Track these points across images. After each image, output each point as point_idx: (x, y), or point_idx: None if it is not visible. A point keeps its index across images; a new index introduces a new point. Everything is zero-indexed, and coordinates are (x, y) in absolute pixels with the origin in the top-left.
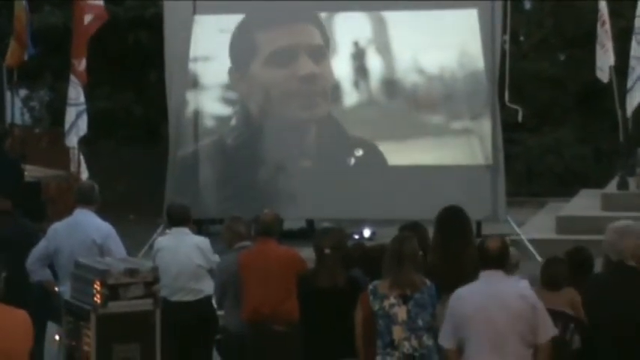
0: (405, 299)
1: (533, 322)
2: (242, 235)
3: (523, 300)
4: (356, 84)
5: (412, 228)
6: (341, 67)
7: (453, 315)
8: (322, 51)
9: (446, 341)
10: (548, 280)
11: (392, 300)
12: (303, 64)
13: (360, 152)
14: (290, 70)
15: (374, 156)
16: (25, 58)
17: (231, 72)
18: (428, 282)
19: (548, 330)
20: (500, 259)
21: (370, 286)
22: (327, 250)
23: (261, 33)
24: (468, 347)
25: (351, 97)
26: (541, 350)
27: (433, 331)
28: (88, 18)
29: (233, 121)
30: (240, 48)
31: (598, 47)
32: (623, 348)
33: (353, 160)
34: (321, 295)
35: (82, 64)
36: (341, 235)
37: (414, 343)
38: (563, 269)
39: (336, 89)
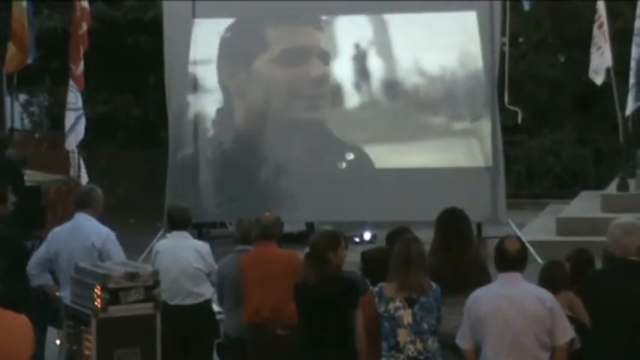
0: (410, 302)
1: (550, 324)
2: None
3: (540, 303)
4: (357, 86)
5: (400, 233)
6: (342, 69)
7: (469, 316)
8: (328, 55)
9: (463, 342)
10: (547, 283)
11: (397, 303)
12: (315, 65)
13: (360, 155)
14: (301, 70)
15: (374, 158)
16: (29, 61)
17: (229, 67)
18: (434, 285)
19: (566, 333)
20: (519, 261)
21: (376, 289)
22: (306, 250)
23: (270, 30)
24: (484, 348)
25: (351, 99)
26: (559, 352)
27: (438, 334)
28: (84, 26)
29: (233, 124)
30: (244, 44)
31: (593, 49)
32: (629, 340)
33: (353, 163)
34: (308, 296)
35: (79, 68)
36: (321, 234)
37: (419, 346)
38: (563, 272)
39: (337, 91)
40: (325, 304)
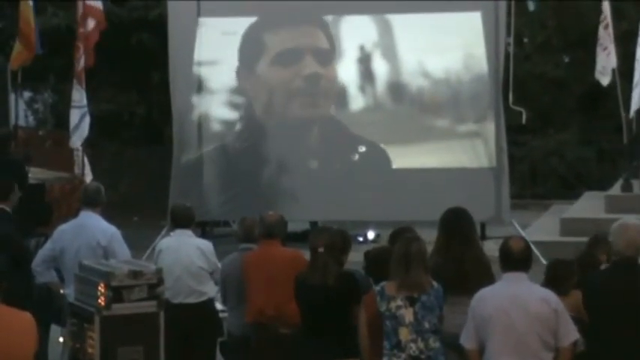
0: (411, 301)
1: (555, 325)
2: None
3: (545, 303)
4: (362, 87)
5: (402, 232)
6: (347, 70)
7: (474, 316)
8: (329, 55)
9: (467, 342)
10: (552, 281)
11: (399, 302)
12: (308, 64)
13: (364, 154)
14: (294, 70)
15: (379, 158)
16: (35, 53)
17: (238, 72)
18: (435, 284)
19: (570, 334)
20: (523, 261)
21: (377, 287)
22: (320, 249)
23: (270, 34)
24: (488, 348)
25: (356, 100)
26: (562, 354)
27: (440, 333)
28: (90, 22)
29: (237, 124)
30: (249, 49)
31: (599, 49)
32: (631, 342)
33: (358, 163)
34: (312, 293)
35: (80, 64)
36: (335, 234)
37: (421, 345)
38: (568, 270)
39: (342, 92)
40: (327, 299)
